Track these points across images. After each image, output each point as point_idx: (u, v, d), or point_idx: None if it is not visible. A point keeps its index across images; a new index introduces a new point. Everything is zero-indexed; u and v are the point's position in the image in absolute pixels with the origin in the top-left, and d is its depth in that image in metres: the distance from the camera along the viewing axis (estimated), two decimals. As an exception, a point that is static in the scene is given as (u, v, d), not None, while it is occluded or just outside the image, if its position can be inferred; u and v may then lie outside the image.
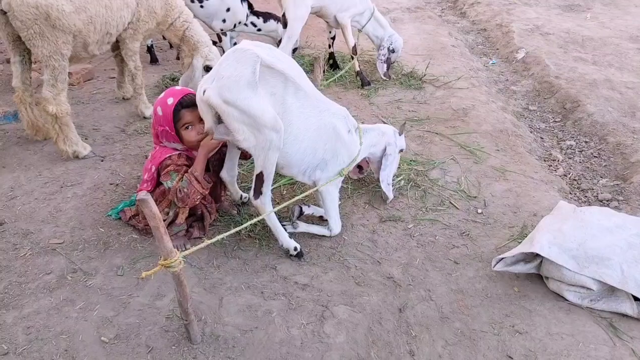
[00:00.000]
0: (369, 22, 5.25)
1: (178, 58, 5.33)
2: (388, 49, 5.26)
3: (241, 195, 3.30)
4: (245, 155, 3.07)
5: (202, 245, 2.33)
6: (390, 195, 3.38)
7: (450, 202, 3.45)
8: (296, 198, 3.03)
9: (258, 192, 2.76)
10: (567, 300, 2.62)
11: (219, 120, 2.65)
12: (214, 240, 2.37)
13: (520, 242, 2.95)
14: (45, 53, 3.58)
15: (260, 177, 2.72)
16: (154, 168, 3.00)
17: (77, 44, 3.77)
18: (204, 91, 2.54)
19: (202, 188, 2.89)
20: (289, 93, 2.65)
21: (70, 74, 5.36)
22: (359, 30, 5.35)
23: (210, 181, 2.97)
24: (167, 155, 2.94)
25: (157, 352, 2.39)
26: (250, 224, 2.67)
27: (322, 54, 4.78)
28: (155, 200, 2.80)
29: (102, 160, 3.94)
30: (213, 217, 3.20)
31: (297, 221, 3.11)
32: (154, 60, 6.05)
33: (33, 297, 2.69)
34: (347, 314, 2.60)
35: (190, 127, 2.94)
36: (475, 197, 3.50)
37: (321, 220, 3.26)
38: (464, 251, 3.02)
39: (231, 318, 2.57)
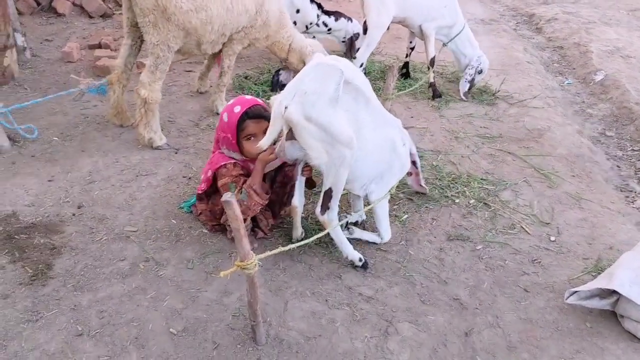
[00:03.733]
0: (458, 36, 5.11)
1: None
2: (476, 69, 5.13)
3: (301, 233, 3.08)
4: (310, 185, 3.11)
5: (276, 250, 2.34)
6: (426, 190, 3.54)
7: (522, 227, 3.35)
8: (366, 209, 3.03)
9: (325, 208, 2.75)
10: (645, 343, 2.51)
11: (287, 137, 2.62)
12: (287, 247, 2.40)
13: (594, 276, 2.85)
14: (153, 41, 3.75)
15: (328, 193, 2.71)
16: (210, 172, 3.04)
17: (190, 41, 3.91)
18: (286, 107, 2.48)
19: (262, 199, 2.89)
20: (360, 108, 2.64)
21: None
22: (444, 45, 5.24)
23: (268, 192, 2.96)
24: (223, 163, 2.96)
25: (223, 349, 2.44)
26: (318, 237, 2.68)
27: (396, 63, 4.75)
28: (222, 208, 2.86)
29: (176, 152, 4.06)
30: (270, 222, 3.17)
31: (352, 227, 3.13)
32: None
33: (107, 282, 2.80)
34: (411, 331, 2.57)
35: (252, 138, 2.93)
36: (548, 223, 3.39)
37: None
38: (535, 279, 2.93)
39: (295, 323, 2.59)
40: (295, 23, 5.74)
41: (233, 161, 2.99)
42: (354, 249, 2.96)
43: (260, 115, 2.85)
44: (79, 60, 5.85)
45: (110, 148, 4.10)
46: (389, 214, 3.37)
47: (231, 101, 3.02)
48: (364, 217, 3.32)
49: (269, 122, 2.65)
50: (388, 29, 5.01)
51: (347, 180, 2.79)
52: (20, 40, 5.72)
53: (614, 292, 2.56)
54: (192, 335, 2.51)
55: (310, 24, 5.75)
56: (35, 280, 2.78)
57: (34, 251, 2.98)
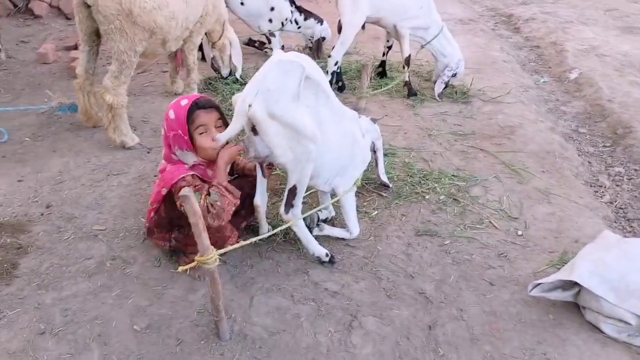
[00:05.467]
0: (436, 39, 5.11)
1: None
2: (453, 71, 5.16)
3: (268, 229, 2.97)
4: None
5: (237, 245, 2.36)
6: (390, 185, 3.60)
7: (490, 222, 3.38)
8: (333, 200, 3.05)
9: (289, 206, 2.73)
10: (604, 333, 2.54)
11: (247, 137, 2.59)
12: (247, 242, 2.41)
13: (559, 268, 2.87)
14: (120, 48, 3.70)
15: (293, 191, 2.69)
16: (164, 190, 2.71)
17: (155, 41, 3.90)
18: (250, 105, 2.42)
19: (235, 198, 2.66)
20: (321, 103, 2.64)
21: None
22: (422, 46, 5.26)
23: (238, 190, 2.72)
24: (181, 176, 2.64)
25: (186, 345, 2.44)
26: (280, 230, 2.68)
27: (371, 62, 4.77)
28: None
29: (148, 152, 4.05)
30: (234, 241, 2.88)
31: (322, 224, 3.14)
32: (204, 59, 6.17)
33: (72, 280, 2.79)
34: (375, 325, 2.58)
35: (205, 132, 2.71)
36: (516, 218, 3.43)
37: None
38: (501, 273, 2.96)
39: (260, 318, 2.59)
40: (270, 21, 5.78)
41: (191, 173, 2.68)
42: (322, 245, 2.97)
43: (210, 105, 2.72)
44: (54, 61, 5.83)
45: (82, 148, 4.08)
46: (359, 210, 3.41)
47: (173, 101, 2.81)
48: (333, 213, 3.34)
49: (219, 112, 2.63)
50: (363, 28, 5.04)
51: (311, 175, 2.80)
52: (-6, 41, 5.69)
53: (576, 283, 2.59)
54: (156, 332, 2.51)
55: (286, 19, 5.79)
56: (-1, 279, 2.77)
57: (0, 251, 2.96)
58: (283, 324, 2.57)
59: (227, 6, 5.56)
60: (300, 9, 5.88)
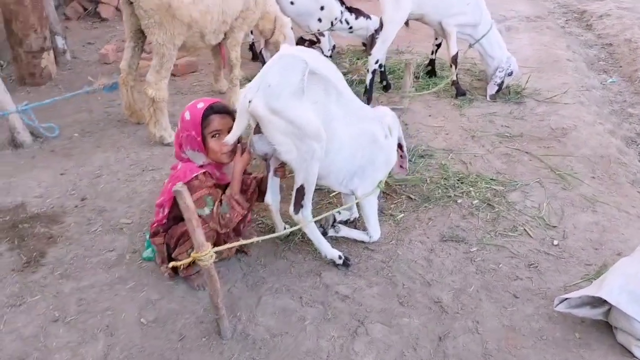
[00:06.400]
0: (485, 38, 4.87)
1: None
2: (506, 71, 4.89)
3: (284, 227, 2.99)
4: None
5: (235, 244, 2.33)
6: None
7: (525, 229, 3.15)
8: (350, 204, 2.96)
9: (299, 206, 2.66)
10: (636, 358, 2.28)
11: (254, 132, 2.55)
12: (247, 242, 2.39)
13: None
14: (159, 41, 3.85)
15: (300, 191, 2.63)
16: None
17: (194, 34, 4.02)
18: (250, 101, 2.40)
19: (242, 209, 2.66)
20: (331, 100, 2.56)
21: (175, 65, 5.70)
22: (470, 46, 5.04)
23: (247, 200, 2.75)
24: (194, 175, 2.62)
25: (188, 341, 2.44)
26: (285, 234, 2.64)
27: (414, 60, 4.60)
28: (177, 239, 2.68)
29: (184, 149, 4.12)
30: (230, 254, 2.91)
31: (339, 225, 3.04)
32: (256, 58, 6.23)
33: (92, 271, 2.87)
34: (382, 333, 2.47)
35: (218, 135, 2.68)
36: (554, 226, 3.18)
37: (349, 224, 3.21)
38: (527, 285, 2.74)
39: (265, 319, 2.55)
40: (320, 20, 5.74)
41: (203, 170, 2.68)
42: (340, 246, 2.89)
43: (225, 110, 2.71)
44: (114, 61, 6.07)
45: (124, 144, 4.22)
46: (384, 213, 3.30)
47: (191, 102, 2.79)
48: (357, 214, 3.23)
49: (234, 119, 2.61)
50: (407, 25, 4.89)
51: (322, 175, 2.72)
52: (60, 43, 6.04)
53: (606, 300, 2.35)
54: (161, 326, 2.53)
55: (335, 19, 5.72)
56: (27, 267, 2.90)
57: (32, 240, 3.11)
58: (287, 326, 2.51)
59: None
60: (350, 9, 5.79)
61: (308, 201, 2.67)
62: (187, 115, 2.69)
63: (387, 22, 4.52)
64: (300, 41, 6.44)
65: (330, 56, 6.01)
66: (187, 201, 2.10)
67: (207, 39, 4.18)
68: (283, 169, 2.80)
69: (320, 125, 2.46)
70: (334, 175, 2.78)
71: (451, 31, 4.78)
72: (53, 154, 4.11)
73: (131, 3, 3.79)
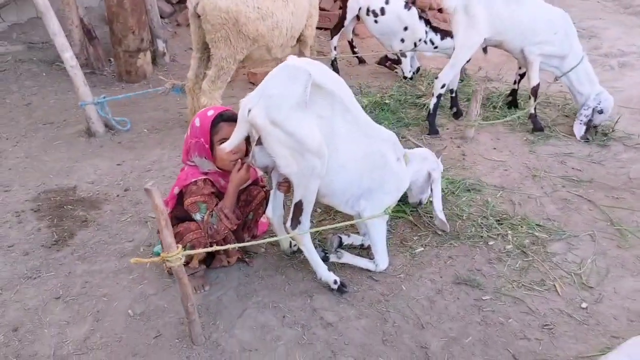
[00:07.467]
0: (573, 71, 4.48)
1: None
2: (594, 109, 4.47)
3: (290, 244, 2.99)
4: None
5: (210, 249, 2.33)
6: (447, 227, 3.12)
7: (554, 285, 2.80)
8: (335, 225, 2.92)
9: (296, 222, 2.59)
10: None
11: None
12: (224, 247, 2.37)
13: None
14: (222, 55, 4.02)
15: (299, 206, 2.55)
16: (177, 189, 2.79)
17: (260, 48, 4.15)
18: (249, 110, 2.37)
19: (231, 224, 2.65)
20: (337, 116, 2.46)
21: (254, 74, 5.91)
22: (556, 78, 4.67)
23: (239, 217, 2.77)
24: (193, 180, 2.69)
25: (161, 340, 2.48)
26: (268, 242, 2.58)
27: (481, 87, 4.30)
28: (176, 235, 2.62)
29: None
30: (230, 262, 2.96)
31: (342, 251, 2.90)
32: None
33: (106, 257, 3.03)
34: (351, 370, 2.32)
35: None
36: (590, 287, 2.79)
37: (361, 250, 3.08)
38: (534, 347, 2.43)
39: (241, 332, 2.52)
40: (402, 40, 5.64)
41: (204, 177, 2.72)
42: (344, 271, 2.78)
43: (234, 118, 2.66)
44: (205, 66, 6.43)
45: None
46: (403, 244, 3.13)
47: (202, 110, 2.84)
48: (369, 241, 3.08)
49: None
50: (485, 52, 4.61)
51: (325, 194, 2.64)
52: (161, 45, 6.52)
53: (608, 382, 2.00)
54: (144, 320, 2.60)
55: (420, 40, 5.59)
56: (54, 245, 3.14)
57: (69, 221, 3.36)
58: (260, 343, 2.45)
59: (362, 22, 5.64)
60: (435, 29, 5.62)
61: (306, 219, 2.60)
62: (197, 122, 2.73)
63: (458, 47, 4.29)
64: (382, 61, 6.36)
65: (411, 78, 5.86)
66: (156, 201, 2.13)
67: (273, 52, 4.27)
68: (287, 184, 2.75)
69: (322, 141, 2.39)
70: (338, 195, 2.69)
71: (533, 60, 4.43)
72: (119, 146, 4.42)
73: (199, 16, 3.97)
